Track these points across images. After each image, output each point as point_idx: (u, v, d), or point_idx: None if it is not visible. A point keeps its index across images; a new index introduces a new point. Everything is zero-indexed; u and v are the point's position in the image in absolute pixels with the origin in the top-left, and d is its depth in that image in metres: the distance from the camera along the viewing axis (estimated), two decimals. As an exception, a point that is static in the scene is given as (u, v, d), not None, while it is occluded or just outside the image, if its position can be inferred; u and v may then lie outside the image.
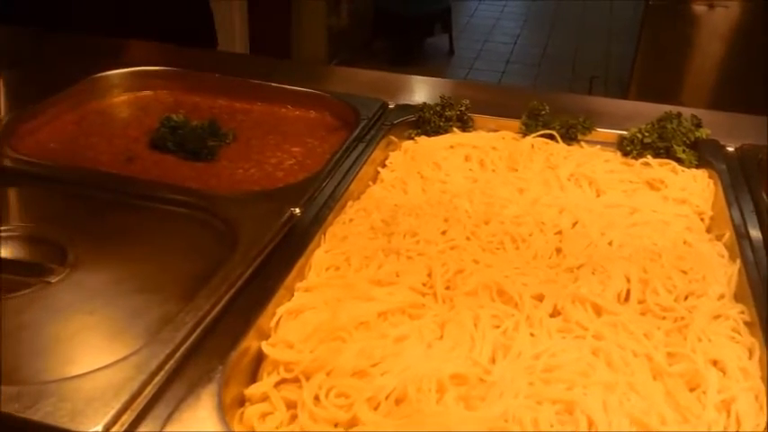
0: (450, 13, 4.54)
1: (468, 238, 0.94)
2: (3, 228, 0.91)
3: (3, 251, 0.87)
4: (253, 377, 0.75)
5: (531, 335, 0.78)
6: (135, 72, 1.34)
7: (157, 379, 0.68)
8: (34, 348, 0.73)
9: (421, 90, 1.45)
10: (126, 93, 1.32)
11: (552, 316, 0.82)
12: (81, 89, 1.28)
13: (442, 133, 1.21)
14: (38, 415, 0.62)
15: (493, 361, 0.75)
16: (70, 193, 0.99)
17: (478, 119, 1.24)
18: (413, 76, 1.53)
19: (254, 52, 3.57)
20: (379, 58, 4.43)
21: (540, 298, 0.84)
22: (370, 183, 1.10)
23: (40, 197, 0.99)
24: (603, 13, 5.46)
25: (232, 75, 1.36)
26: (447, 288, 0.86)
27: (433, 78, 1.52)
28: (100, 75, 1.31)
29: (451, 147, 1.17)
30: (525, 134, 1.19)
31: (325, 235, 0.94)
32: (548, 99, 1.23)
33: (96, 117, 1.25)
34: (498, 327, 0.79)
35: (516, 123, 1.22)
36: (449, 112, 1.21)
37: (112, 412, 0.63)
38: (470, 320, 0.79)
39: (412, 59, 4.43)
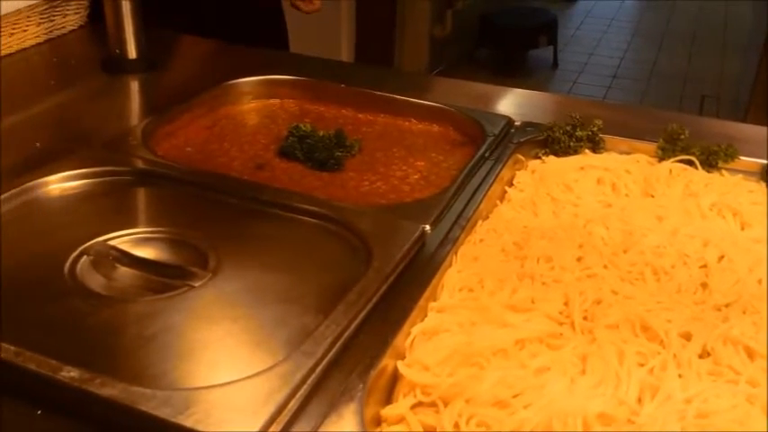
0: (556, 25, 4.45)
1: (605, 267, 0.91)
2: (146, 229, 0.94)
3: (148, 252, 0.89)
4: (387, 397, 0.75)
5: (680, 376, 0.74)
6: (264, 80, 1.37)
7: (301, 392, 0.68)
8: (181, 352, 0.75)
9: (542, 106, 1.42)
10: (255, 100, 1.35)
11: (701, 357, 0.78)
12: (214, 95, 1.31)
13: (571, 154, 1.17)
14: (189, 421, 0.63)
15: (639, 401, 0.72)
16: (207, 197, 1.01)
17: (609, 140, 1.20)
18: (531, 92, 1.50)
19: (357, 59, 3.61)
20: (482, 68, 4.40)
21: (687, 336, 0.80)
22: (498, 202, 1.08)
23: (178, 200, 1.02)
24: (716, 28, 5.24)
25: (340, 83, 1.36)
26: (585, 318, 0.83)
27: (556, 95, 1.50)
28: (231, 82, 1.34)
29: (582, 168, 1.13)
30: (661, 158, 1.14)
31: (456, 254, 0.93)
32: (677, 121, 1.17)
33: (227, 123, 1.28)
34: (644, 365, 0.75)
35: (650, 146, 1.17)
36: (579, 132, 1.18)
37: (261, 422, 0.63)
38: (614, 356, 0.76)
39: (515, 71, 4.38)
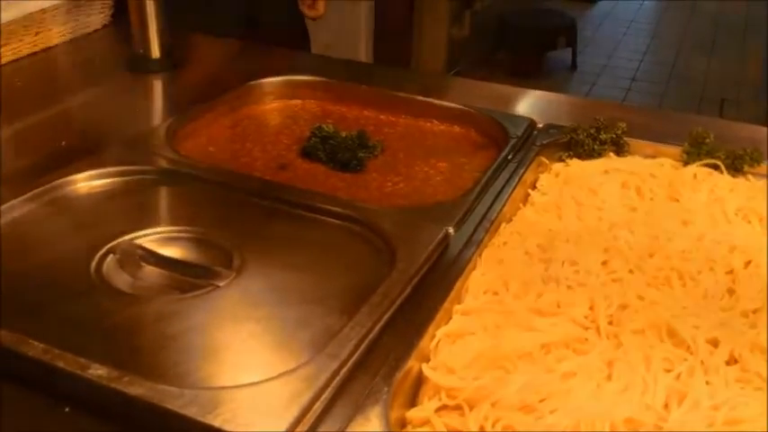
0: (575, 27, 4.43)
1: (631, 272, 0.90)
2: (171, 228, 0.95)
3: (173, 251, 0.90)
4: (412, 399, 0.74)
5: (707, 383, 0.74)
6: (286, 81, 1.37)
7: (326, 394, 0.68)
8: (205, 352, 0.75)
9: (562, 108, 1.42)
10: (277, 100, 1.36)
11: (728, 363, 0.77)
12: (236, 95, 1.32)
13: (595, 157, 1.16)
14: (217, 421, 0.63)
15: (666, 407, 0.71)
16: (231, 197, 1.02)
17: (633, 143, 1.19)
18: (551, 93, 1.49)
19: (375, 60, 3.61)
20: (499, 69, 4.38)
21: (714, 343, 0.79)
22: (521, 205, 1.07)
23: (203, 199, 1.02)
24: (736, 30, 5.19)
25: (361, 84, 1.37)
26: (610, 323, 0.82)
27: (576, 97, 1.49)
28: (253, 82, 1.34)
29: (606, 172, 1.13)
30: (686, 162, 1.13)
31: (480, 257, 0.92)
32: (700, 125, 1.16)
33: (250, 123, 1.29)
34: (671, 371, 0.75)
35: (674, 150, 1.17)
36: (604, 135, 1.17)
37: (288, 423, 0.63)
38: (641, 361, 0.75)
39: (533, 73, 4.36)
